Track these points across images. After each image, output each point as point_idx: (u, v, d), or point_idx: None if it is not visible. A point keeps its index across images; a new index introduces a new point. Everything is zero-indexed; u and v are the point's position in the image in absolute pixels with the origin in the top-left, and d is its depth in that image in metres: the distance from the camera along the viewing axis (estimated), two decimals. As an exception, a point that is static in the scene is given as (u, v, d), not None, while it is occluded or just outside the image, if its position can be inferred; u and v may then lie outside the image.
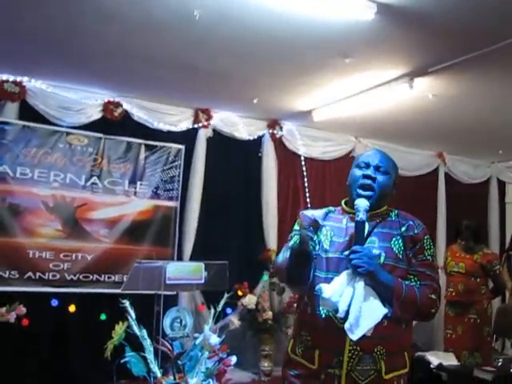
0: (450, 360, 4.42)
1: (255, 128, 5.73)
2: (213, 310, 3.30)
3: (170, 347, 2.86)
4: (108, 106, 4.99)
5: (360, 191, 1.97)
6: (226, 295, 3.31)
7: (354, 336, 1.76)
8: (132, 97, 5.08)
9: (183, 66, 4.24)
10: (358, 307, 1.77)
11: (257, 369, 5.28)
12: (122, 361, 2.86)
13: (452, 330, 5.16)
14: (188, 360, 2.83)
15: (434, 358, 4.44)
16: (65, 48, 3.95)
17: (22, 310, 4.30)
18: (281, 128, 5.84)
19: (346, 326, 1.77)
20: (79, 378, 4.56)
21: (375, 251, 1.90)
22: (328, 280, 1.87)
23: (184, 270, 3.47)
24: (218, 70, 4.30)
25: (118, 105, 5.04)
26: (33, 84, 4.69)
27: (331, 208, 2.12)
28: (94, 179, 4.93)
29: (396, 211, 2.06)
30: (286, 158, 5.92)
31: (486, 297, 5.15)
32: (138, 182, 5.12)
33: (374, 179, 1.98)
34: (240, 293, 5.23)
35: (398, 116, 5.24)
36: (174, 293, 4.64)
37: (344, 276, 1.82)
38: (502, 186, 7.40)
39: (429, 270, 1.95)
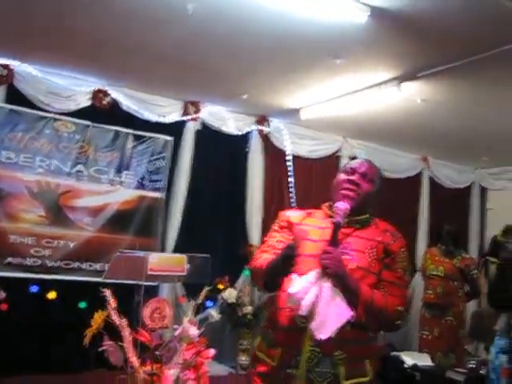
0: (425, 360, 4.50)
1: (243, 123, 5.73)
2: (193, 303, 3.32)
3: (149, 337, 2.88)
4: (97, 94, 4.96)
5: (343, 192, 2.00)
6: (206, 288, 3.33)
7: (322, 335, 1.76)
8: (122, 86, 5.05)
9: (174, 59, 4.24)
10: (325, 307, 1.77)
11: (234, 362, 5.31)
12: (100, 349, 2.86)
13: (428, 332, 5.26)
14: (166, 351, 2.84)
15: (409, 358, 4.53)
16: (56, 34, 3.91)
17: (2, 294, 4.29)
18: (269, 124, 5.86)
19: (313, 325, 1.77)
20: (58, 364, 4.55)
21: (347, 256, 1.91)
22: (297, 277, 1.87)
23: (166, 262, 3.48)
24: (209, 65, 4.30)
25: (107, 93, 5.00)
26: (21, 68, 4.63)
27: (311, 211, 2.16)
28: (80, 167, 4.90)
29: (377, 220, 2.09)
30: (273, 154, 5.94)
31: (462, 300, 5.27)
32: (124, 172, 5.10)
33: (357, 185, 2.01)
34: (221, 286, 5.26)
35: (386, 118, 5.29)
36: (155, 283, 4.66)
37: (313, 275, 1.83)
38: (483, 192, 7.50)
39: (399, 282, 1.97)
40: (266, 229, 5.64)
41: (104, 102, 4.99)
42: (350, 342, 1.85)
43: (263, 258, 2.04)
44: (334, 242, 1.88)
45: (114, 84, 5.01)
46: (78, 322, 4.56)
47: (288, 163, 6.00)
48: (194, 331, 3.01)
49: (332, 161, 6.22)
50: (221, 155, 5.62)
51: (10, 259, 4.55)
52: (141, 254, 3.42)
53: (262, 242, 2.21)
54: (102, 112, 5.00)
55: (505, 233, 2.82)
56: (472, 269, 5.33)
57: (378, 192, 2.08)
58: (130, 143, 5.15)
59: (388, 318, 1.91)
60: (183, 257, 3.48)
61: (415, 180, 6.94)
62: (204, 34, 3.70)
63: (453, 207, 6.96)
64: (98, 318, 2.86)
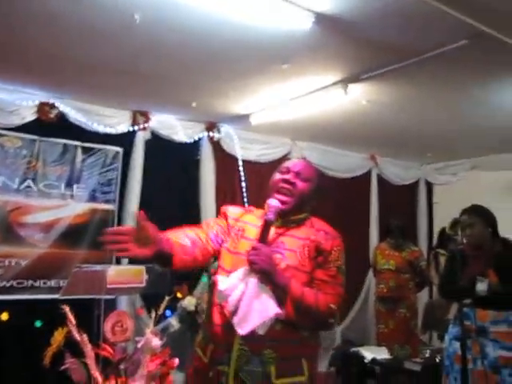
0: (383, 354, 4.63)
1: (193, 131, 5.74)
2: (154, 313, 3.30)
3: (112, 352, 2.84)
4: (43, 108, 4.86)
5: (277, 195, 1.98)
6: (167, 298, 3.32)
7: (242, 331, 1.76)
8: (68, 98, 4.96)
9: (122, 69, 4.20)
10: (248, 303, 1.77)
11: (197, 370, 5.30)
12: (62, 368, 2.81)
13: (384, 325, 5.41)
14: (130, 364, 2.82)
15: (368, 353, 4.64)
16: (-1, 47, 3.84)
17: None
18: (219, 131, 5.89)
19: (235, 320, 1.77)
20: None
21: (278, 255, 1.90)
22: (229, 275, 1.88)
23: (125, 274, 3.46)
24: (157, 74, 4.29)
25: (54, 106, 4.91)
26: (-38, 84, 4.52)
27: (252, 209, 2.18)
28: (29, 182, 4.79)
29: (313, 219, 2.08)
30: (224, 160, 5.97)
31: (413, 291, 5.46)
32: (75, 185, 5.02)
33: (292, 184, 2.00)
34: (179, 295, 5.24)
35: (333, 120, 5.41)
36: (113, 297, 4.60)
37: (241, 271, 1.83)
38: (429, 187, 7.77)
39: (333, 281, 1.95)
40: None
41: (51, 115, 4.89)
42: (280, 341, 1.85)
43: (181, 231, 2.02)
44: (263, 238, 1.87)
45: (61, 96, 4.93)
46: (34, 341, 4.50)
47: (239, 168, 6.05)
48: (156, 342, 2.99)
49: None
50: (172, 164, 5.60)
51: (-42, 282, 4.41)
52: (98, 267, 3.39)
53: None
54: (50, 125, 4.90)
55: (453, 225, 2.95)
56: (420, 260, 5.54)
57: (314, 191, 2.07)
58: (79, 156, 5.07)
59: (319, 315, 1.89)
60: (141, 268, 3.46)
61: (364, 179, 7.12)
62: (151, 44, 3.69)
63: (401, 203, 7.19)
64: (57, 336, 2.80)
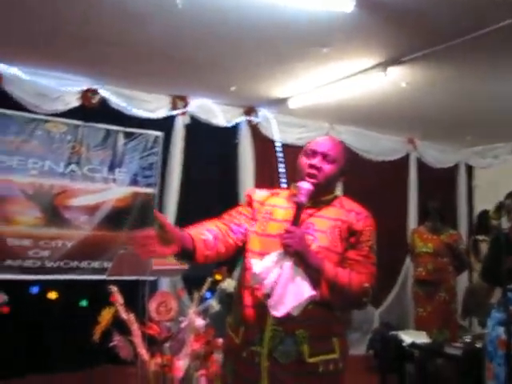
0: (422, 338, 4.61)
1: (232, 115, 5.78)
2: (196, 295, 3.40)
3: (158, 330, 2.95)
4: (86, 94, 4.98)
5: (305, 178, 1.96)
6: (208, 280, 3.41)
7: (277, 313, 1.78)
8: (110, 84, 5.07)
9: (161, 54, 4.26)
10: (284, 285, 1.78)
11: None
12: (110, 345, 2.93)
13: (423, 309, 5.38)
14: (176, 342, 2.92)
15: (407, 337, 4.64)
16: (42, 35, 3.92)
17: (4, 297, 4.33)
18: (257, 115, 5.92)
19: (270, 302, 1.78)
20: (63, 364, 4.61)
21: (310, 237, 1.90)
22: (261, 257, 1.88)
23: (169, 256, 3.55)
24: (197, 58, 4.33)
25: (96, 92, 5.03)
26: (10, 71, 4.64)
27: (278, 191, 2.16)
28: (73, 166, 4.94)
29: (342, 199, 2.06)
30: (263, 144, 6.01)
31: (452, 275, 5.40)
32: (117, 169, 5.15)
33: (319, 169, 1.97)
34: (218, 277, 5.33)
35: (372, 103, 5.36)
36: (155, 278, 4.72)
37: (275, 254, 1.84)
38: (469, 170, 7.64)
39: (366, 261, 1.95)
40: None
41: (93, 101, 5.01)
42: (313, 320, 1.86)
43: (202, 226, 2.01)
44: (296, 221, 1.87)
45: (103, 82, 5.03)
46: (80, 320, 4.67)
47: (277, 152, 6.08)
48: (199, 322, 3.09)
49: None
50: (211, 147, 5.67)
51: (9, 262, 4.60)
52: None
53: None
54: (92, 111, 5.03)
55: (497, 209, 2.89)
56: (459, 243, 5.47)
57: (342, 170, 2.04)
58: (121, 140, 5.19)
59: (354, 294, 1.89)
60: (185, 250, 3.53)
61: (402, 162, 7.04)
62: (191, 28, 3.72)
63: (440, 186, 7.08)
64: (106, 315, 2.93)
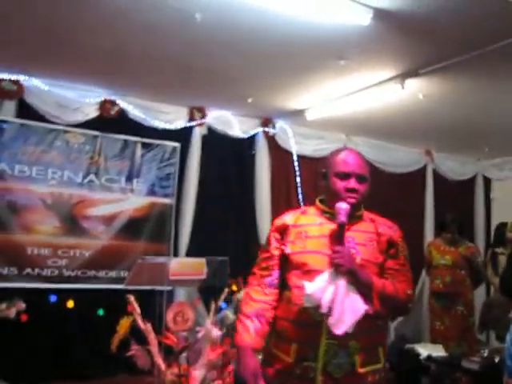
0: (439, 351, 4.57)
1: (249, 126, 5.82)
2: (213, 305, 3.41)
3: (175, 340, 2.96)
4: (105, 105, 5.06)
5: (346, 201, 2.01)
6: (225, 290, 3.42)
7: (339, 331, 1.84)
8: (128, 95, 5.15)
9: (179, 66, 4.31)
10: (341, 303, 1.86)
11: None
12: (128, 354, 2.95)
13: (440, 322, 5.33)
14: (192, 353, 2.93)
15: (423, 350, 4.59)
16: (62, 47, 4.00)
17: (22, 305, 4.37)
18: (274, 126, 5.95)
19: (331, 321, 1.85)
20: (79, 372, 4.65)
21: (353, 250, 1.97)
22: (305, 276, 1.95)
23: (187, 266, 3.58)
24: (214, 70, 4.38)
25: (115, 103, 5.11)
26: (30, 82, 4.74)
27: (305, 208, 2.20)
28: (91, 176, 5.00)
29: (365, 213, 2.13)
30: (279, 155, 6.03)
31: (469, 288, 5.34)
32: (135, 180, 5.20)
33: (357, 191, 2.04)
34: (234, 288, 5.34)
35: (389, 115, 5.37)
36: (171, 288, 4.74)
37: (326, 274, 1.91)
38: (487, 182, 7.58)
39: (404, 269, 2.06)
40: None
41: (112, 112, 5.08)
42: (363, 331, 1.91)
43: (250, 306, 2.07)
44: (340, 240, 1.94)
45: (121, 93, 5.11)
46: (97, 329, 4.71)
47: (294, 163, 6.10)
48: (216, 332, 3.10)
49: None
50: (228, 158, 5.72)
51: (28, 270, 4.66)
52: (162, 259, 3.51)
53: (260, 251, 2.21)
54: (110, 122, 5.10)
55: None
56: (477, 256, 5.42)
57: (370, 185, 2.11)
58: (138, 151, 5.24)
59: (401, 302, 2.01)
60: (202, 261, 3.56)
61: (419, 174, 7.02)
62: (209, 41, 3.77)
63: (458, 199, 7.04)
64: (124, 324, 2.95)
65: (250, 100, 5.10)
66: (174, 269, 3.37)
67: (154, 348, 2.92)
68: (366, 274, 1.94)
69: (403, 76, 4.25)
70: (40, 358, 4.58)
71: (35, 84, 4.76)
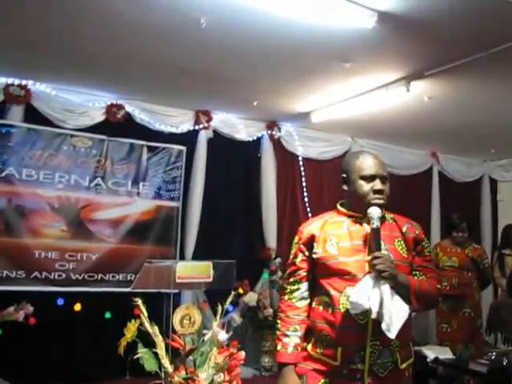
0: (446, 353, 4.54)
1: (254, 129, 5.85)
2: (220, 308, 3.40)
3: (182, 343, 2.97)
4: (111, 109, 5.09)
5: (375, 203, 2.05)
6: (232, 293, 3.41)
7: (392, 334, 1.89)
8: (134, 99, 5.18)
9: (185, 70, 4.34)
10: (389, 308, 1.90)
11: (258, 364, 5.41)
12: (135, 357, 2.95)
13: (447, 325, 5.30)
14: (199, 355, 2.93)
15: (430, 352, 4.57)
16: (69, 52, 4.04)
17: (30, 308, 4.38)
18: (279, 129, 5.97)
19: (384, 326, 1.89)
20: (87, 375, 4.66)
21: (390, 254, 2.00)
22: (344, 281, 1.98)
23: (193, 269, 3.59)
24: (220, 74, 4.40)
25: (121, 107, 5.14)
26: (37, 87, 4.78)
27: (327, 215, 2.20)
28: (98, 180, 5.03)
29: (391, 214, 2.17)
30: (285, 158, 6.05)
31: (477, 290, 5.31)
32: (141, 183, 5.22)
33: (383, 192, 2.08)
34: (241, 290, 5.36)
35: (394, 117, 5.37)
36: (177, 291, 4.76)
37: (368, 280, 1.93)
38: (493, 184, 7.56)
39: (431, 265, 2.15)
40: (281, 231, 5.80)
41: (118, 116, 5.12)
42: (401, 329, 1.94)
43: (291, 319, 2.14)
44: (377, 245, 1.97)
45: (127, 98, 5.14)
46: (104, 332, 4.72)
47: (300, 166, 6.11)
48: (223, 336, 3.10)
49: (342, 161, 6.29)
50: (234, 161, 5.74)
51: (36, 274, 4.68)
52: (168, 262, 3.52)
53: (288, 263, 2.26)
54: (117, 126, 5.13)
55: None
56: (484, 258, 5.39)
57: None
58: (145, 155, 5.27)
59: (434, 298, 2.10)
60: (209, 264, 3.58)
61: (425, 176, 7.01)
62: (214, 44, 3.79)
63: (464, 200, 7.03)
64: (131, 327, 2.95)
65: (255, 103, 5.12)
66: (180, 272, 3.39)
67: (161, 351, 2.92)
68: (404, 276, 1.99)
69: (408, 78, 4.26)
70: (47, 361, 4.60)
71: (42, 89, 4.80)
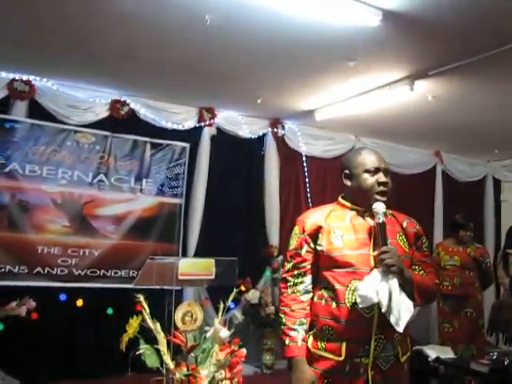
0: (447, 353, 4.54)
1: (258, 127, 5.85)
2: (222, 305, 3.41)
3: (184, 340, 2.97)
4: (115, 105, 5.10)
5: (378, 197, 2.07)
6: (234, 290, 3.41)
7: (400, 328, 1.91)
8: (138, 96, 5.18)
9: (189, 67, 4.34)
10: (397, 302, 1.91)
11: (259, 362, 5.41)
12: (137, 353, 2.96)
13: (449, 324, 5.30)
14: (201, 352, 2.93)
15: (432, 352, 4.57)
16: (73, 48, 4.04)
17: (32, 304, 4.38)
18: (283, 127, 5.97)
19: (392, 320, 1.90)
20: (89, 370, 4.68)
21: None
22: (348, 275, 1.98)
23: (196, 266, 3.59)
24: (224, 71, 4.41)
25: (125, 104, 5.14)
26: (42, 83, 4.79)
27: (330, 206, 2.20)
28: (101, 176, 5.03)
29: (389, 210, 2.16)
30: (288, 156, 6.05)
31: (479, 290, 5.30)
32: (144, 180, 5.23)
33: (387, 184, 2.10)
34: (243, 288, 5.35)
35: (398, 116, 5.36)
36: (179, 288, 4.76)
37: (376, 274, 1.94)
38: (497, 184, 7.54)
39: (429, 260, 2.18)
40: (283, 229, 5.79)
41: (122, 112, 5.12)
42: None
43: (294, 311, 2.10)
44: (384, 240, 1.98)
45: (131, 94, 5.14)
46: (106, 327, 4.73)
47: (303, 164, 6.10)
48: (224, 333, 3.10)
49: (342, 158, 6.29)
50: (237, 159, 5.73)
51: (38, 269, 4.69)
52: (171, 259, 3.53)
53: (290, 254, 2.19)
54: (120, 122, 5.13)
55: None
56: (486, 257, 5.38)
57: None
58: (148, 151, 5.27)
59: (433, 292, 2.14)
60: (211, 261, 3.57)
61: (429, 175, 7.00)
62: (218, 42, 3.80)
63: (467, 200, 7.01)
64: (133, 323, 2.95)
65: (259, 101, 5.12)
66: (182, 268, 3.38)
67: (163, 347, 2.92)
68: (408, 272, 2.00)
69: (412, 77, 4.25)
70: (49, 356, 4.62)
71: (46, 84, 4.81)
